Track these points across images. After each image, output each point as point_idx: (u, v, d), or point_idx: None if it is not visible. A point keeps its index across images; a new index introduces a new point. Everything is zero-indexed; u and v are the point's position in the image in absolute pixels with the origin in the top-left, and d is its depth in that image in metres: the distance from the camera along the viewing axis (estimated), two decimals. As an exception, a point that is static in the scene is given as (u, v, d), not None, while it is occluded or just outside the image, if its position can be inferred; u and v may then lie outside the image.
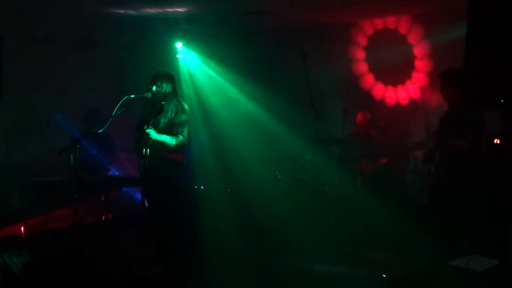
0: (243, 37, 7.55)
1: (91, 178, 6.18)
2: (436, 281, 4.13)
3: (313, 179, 6.22)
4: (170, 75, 5.10)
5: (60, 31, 6.98)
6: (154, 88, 4.91)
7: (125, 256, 5.23)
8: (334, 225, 5.91)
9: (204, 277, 4.97)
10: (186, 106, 5.13)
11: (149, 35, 7.44)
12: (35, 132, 6.95)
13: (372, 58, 7.32)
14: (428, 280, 4.19)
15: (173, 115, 4.96)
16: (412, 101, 6.95)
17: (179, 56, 7.68)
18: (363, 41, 7.39)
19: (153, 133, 4.80)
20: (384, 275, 4.51)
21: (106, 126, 4.71)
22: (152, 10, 6.69)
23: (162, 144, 4.87)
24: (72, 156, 4.57)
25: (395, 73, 7.02)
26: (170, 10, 6.69)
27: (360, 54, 7.44)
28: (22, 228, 5.87)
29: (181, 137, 4.94)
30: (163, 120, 4.95)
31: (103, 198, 6.26)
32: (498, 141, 5.07)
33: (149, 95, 4.91)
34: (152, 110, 5.00)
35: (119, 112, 4.66)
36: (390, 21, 7.05)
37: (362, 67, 7.45)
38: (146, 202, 5.42)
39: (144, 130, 4.78)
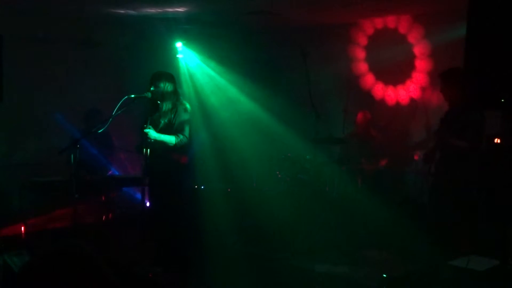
0: (243, 37, 7.55)
1: (91, 178, 6.18)
2: (436, 281, 4.12)
3: (313, 179, 6.23)
4: (170, 75, 5.09)
5: (60, 31, 6.98)
6: (154, 88, 4.90)
7: (125, 256, 5.22)
8: (334, 225, 5.92)
9: (204, 277, 4.97)
10: (188, 106, 5.11)
11: (149, 35, 7.45)
12: (35, 132, 6.95)
13: (372, 58, 7.32)
14: (428, 280, 4.18)
15: (173, 115, 4.95)
16: (412, 101, 6.95)
17: (179, 56, 7.68)
18: (363, 40, 7.39)
19: (152, 133, 4.79)
20: (384, 275, 4.52)
21: (106, 126, 4.70)
22: (152, 10, 6.70)
23: (162, 144, 4.86)
24: (72, 156, 4.56)
25: (395, 72, 7.03)
26: (170, 10, 6.69)
27: (360, 53, 7.44)
28: (22, 228, 5.87)
29: (181, 136, 4.92)
30: (163, 120, 4.94)
31: (103, 198, 6.27)
32: (498, 141, 5.07)
33: (149, 95, 4.89)
34: (152, 110, 5.00)
35: (119, 112, 4.65)
36: (390, 21, 7.05)
37: (362, 67, 7.45)
38: (146, 202, 5.42)
39: (143, 130, 4.78)
